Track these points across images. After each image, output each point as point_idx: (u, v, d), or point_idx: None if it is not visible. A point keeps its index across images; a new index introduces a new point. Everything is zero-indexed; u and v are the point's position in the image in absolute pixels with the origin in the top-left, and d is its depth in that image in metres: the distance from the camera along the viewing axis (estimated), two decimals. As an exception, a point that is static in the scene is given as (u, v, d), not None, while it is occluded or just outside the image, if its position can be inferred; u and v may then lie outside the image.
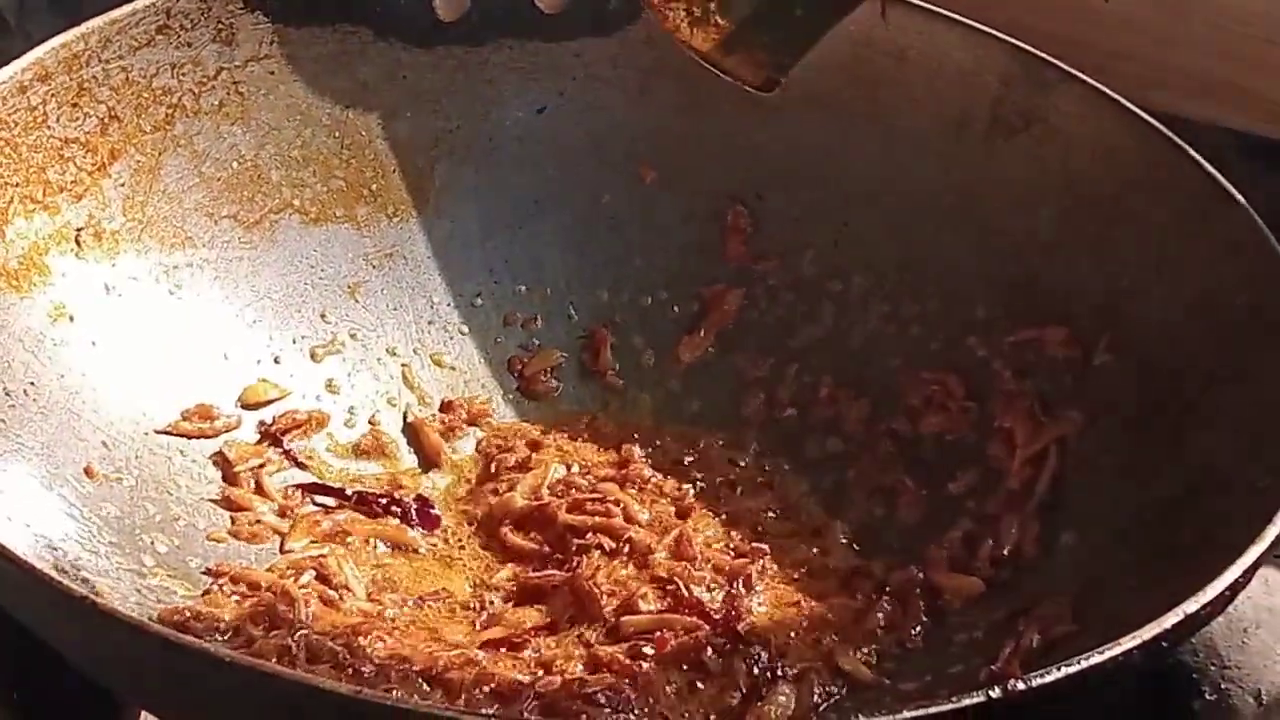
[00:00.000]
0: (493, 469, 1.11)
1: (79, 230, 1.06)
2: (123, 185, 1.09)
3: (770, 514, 1.09)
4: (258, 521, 1.04)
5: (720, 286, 1.19)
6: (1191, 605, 0.84)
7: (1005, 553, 1.03)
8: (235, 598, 0.97)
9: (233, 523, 1.04)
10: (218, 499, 1.05)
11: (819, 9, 1.08)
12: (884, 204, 1.17)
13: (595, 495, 1.08)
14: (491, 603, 1.01)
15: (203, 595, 0.97)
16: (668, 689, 0.95)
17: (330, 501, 1.07)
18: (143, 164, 1.10)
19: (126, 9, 1.09)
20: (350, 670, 0.91)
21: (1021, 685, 0.80)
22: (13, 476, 0.96)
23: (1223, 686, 0.96)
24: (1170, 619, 0.84)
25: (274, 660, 0.90)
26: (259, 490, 1.06)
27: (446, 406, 1.14)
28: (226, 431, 1.08)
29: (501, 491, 1.09)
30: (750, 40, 1.08)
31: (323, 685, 0.77)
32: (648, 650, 0.97)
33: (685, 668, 0.96)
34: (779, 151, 1.20)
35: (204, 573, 0.99)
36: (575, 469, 1.11)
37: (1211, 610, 0.86)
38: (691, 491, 1.10)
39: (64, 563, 0.93)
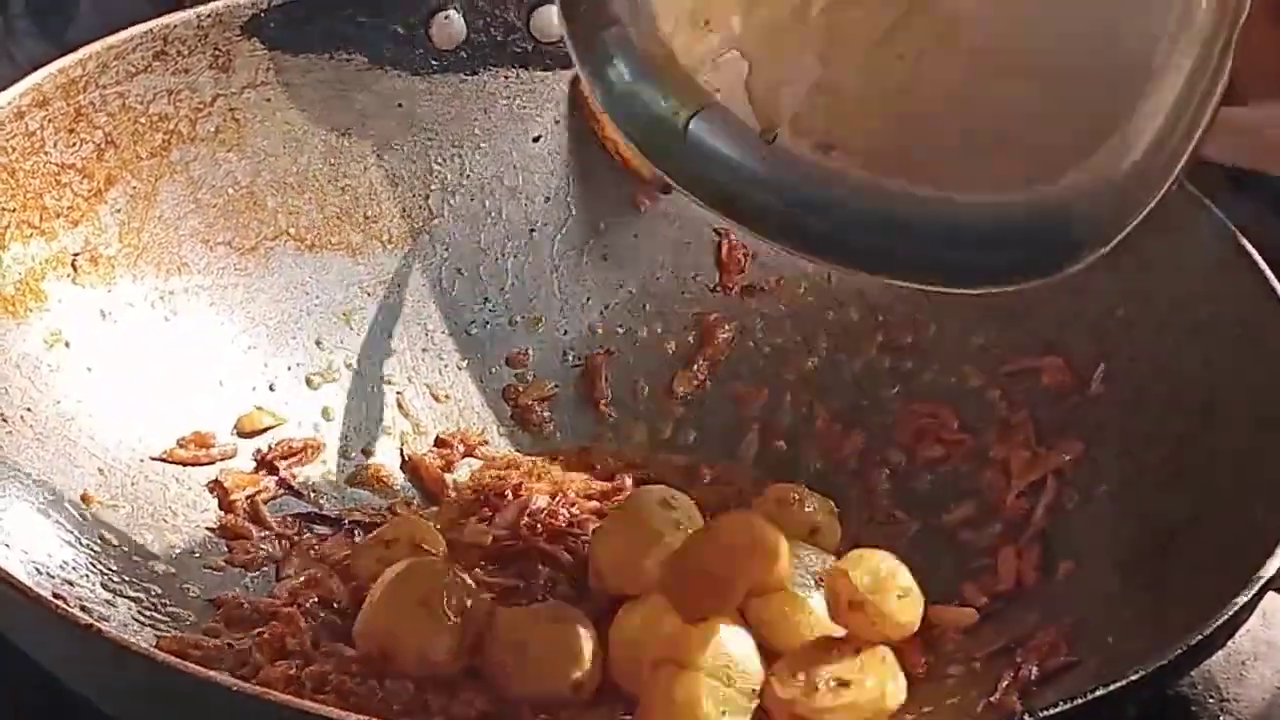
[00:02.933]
0: (482, 500, 1.10)
1: (75, 256, 1.06)
2: (119, 211, 1.08)
3: (764, 544, 1.09)
4: (255, 550, 1.03)
5: (715, 317, 1.18)
6: (1193, 638, 0.85)
7: (1001, 584, 1.03)
8: (238, 626, 0.97)
9: (230, 551, 1.03)
10: (214, 527, 1.04)
11: None
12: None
13: (574, 528, 1.06)
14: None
15: (209, 623, 0.97)
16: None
17: (326, 530, 1.06)
18: (139, 190, 1.09)
19: (123, 35, 1.09)
20: (355, 699, 0.91)
21: (1028, 716, 0.80)
22: (9, 503, 0.95)
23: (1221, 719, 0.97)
24: (1172, 651, 0.84)
25: (280, 690, 0.89)
26: (255, 518, 1.05)
27: (441, 442, 1.13)
28: (222, 459, 1.07)
29: (485, 522, 1.08)
30: None
31: (331, 715, 0.77)
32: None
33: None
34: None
35: (206, 601, 0.99)
36: (558, 499, 1.09)
37: (1213, 643, 0.87)
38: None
39: (62, 589, 0.92)
